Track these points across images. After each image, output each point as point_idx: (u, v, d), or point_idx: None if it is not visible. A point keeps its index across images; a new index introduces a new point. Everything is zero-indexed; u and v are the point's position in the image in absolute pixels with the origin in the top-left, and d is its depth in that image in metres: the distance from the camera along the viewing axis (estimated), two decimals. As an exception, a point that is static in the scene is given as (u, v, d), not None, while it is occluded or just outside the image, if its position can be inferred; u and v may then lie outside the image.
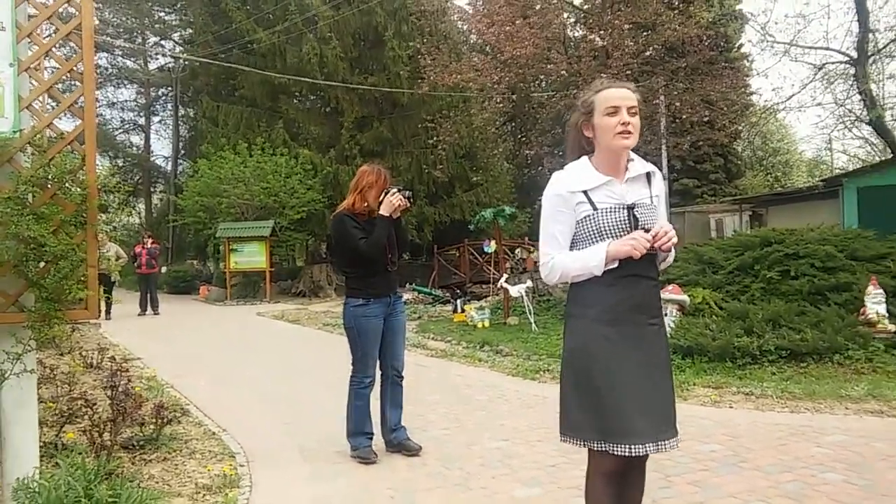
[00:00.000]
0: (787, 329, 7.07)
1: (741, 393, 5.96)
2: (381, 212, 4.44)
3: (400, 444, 4.61)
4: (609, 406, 2.38)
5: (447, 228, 23.74)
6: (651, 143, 16.84)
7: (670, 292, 7.95)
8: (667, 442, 2.41)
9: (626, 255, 2.38)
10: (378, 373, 4.64)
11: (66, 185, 3.55)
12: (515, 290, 10.99)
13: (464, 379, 7.36)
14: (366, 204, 4.51)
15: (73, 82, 3.81)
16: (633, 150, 2.53)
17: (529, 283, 11.34)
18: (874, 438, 4.61)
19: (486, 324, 11.08)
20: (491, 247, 13.57)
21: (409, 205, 4.53)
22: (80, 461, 3.58)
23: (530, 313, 10.49)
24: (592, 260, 2.41)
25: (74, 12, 3.64)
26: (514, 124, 27.47)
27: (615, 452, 2.38)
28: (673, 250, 2.50)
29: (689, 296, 8.15)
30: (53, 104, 3.79)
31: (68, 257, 3.42)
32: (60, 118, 3.71)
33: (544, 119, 17.41)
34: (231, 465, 4.41)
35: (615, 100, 2.45)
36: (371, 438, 4.57)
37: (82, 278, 3.54)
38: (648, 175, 2.57)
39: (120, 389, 4.37)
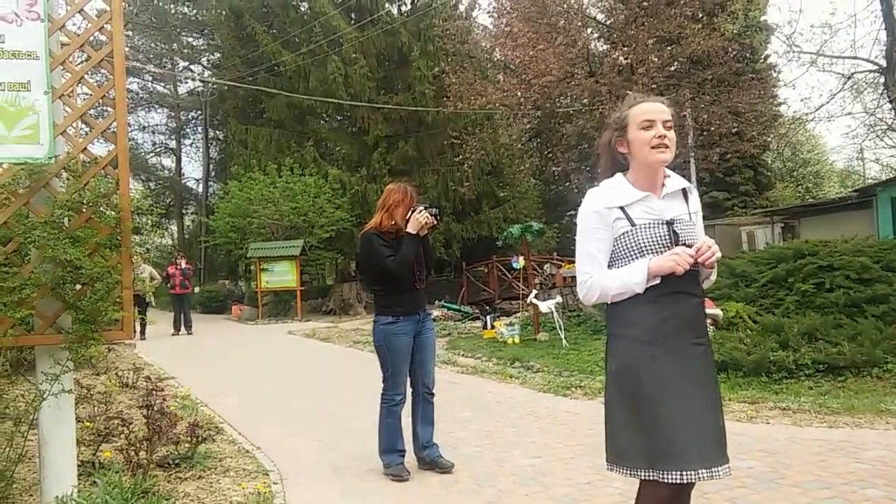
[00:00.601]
0: (823, 342, 6.94)
1: (778, 408, 5.86)
2: (408, 230, 4.46)
3: (432, 462, 4.60)
4: (659, 430, 2.26)
5: (475, 245, 23.76)
6: (679, 155, 16.71)
7: (703, 306, 7.84)
8: (719, 468, 2.28)
9: (668, 270, 2.28)
10: (409, 390, 4.65)
11: (101, 208, 3.61)
12: (545, 306, 10.93)
13: (495, 395, 7.33)
14: (393, 222, 4.53)
15: (105, 108, 3.88)
16: None
17: (559, 299, 11.28)
18: (917, 453, 4.49)
19: (517, 340, 11.04)
20: (519, 262, 13.52)
21: (436, 222, 4.54)
22: (116, 479, 3.63)
23: (560, 329, 10.43)
24: (634, 277, 2.32)
25: (105, 40, 3.71)
26: (539, 140, 27.50)
27: (666, 480, 2.25)
28: (716, 267, 2.42)
29: (722, 310, 8.05)
30: (87, 130, 3.86)
31: (104, 279, 3.48)
32: (94, 143, 3.78)
33: (570, 135, 17.41)
34: (265, 482, 4.43)
35: (651, 113, 2.38)
36: (403, 456, 4.57)
37: (117, 300, 3.60)
38: (685, 191, 2.50)
39: (155, 408, 4.41)
